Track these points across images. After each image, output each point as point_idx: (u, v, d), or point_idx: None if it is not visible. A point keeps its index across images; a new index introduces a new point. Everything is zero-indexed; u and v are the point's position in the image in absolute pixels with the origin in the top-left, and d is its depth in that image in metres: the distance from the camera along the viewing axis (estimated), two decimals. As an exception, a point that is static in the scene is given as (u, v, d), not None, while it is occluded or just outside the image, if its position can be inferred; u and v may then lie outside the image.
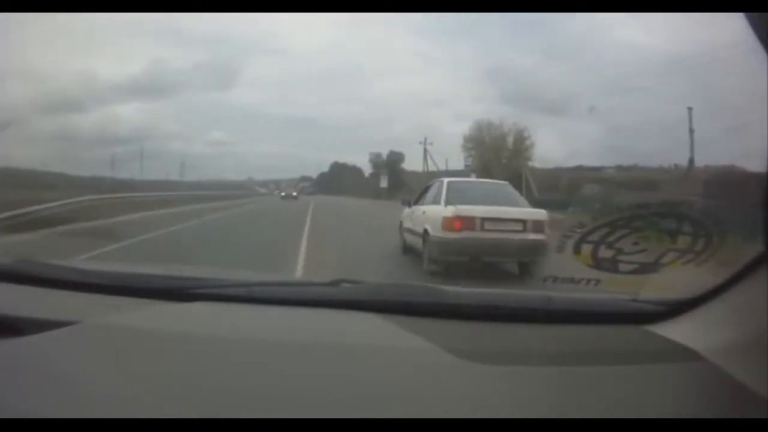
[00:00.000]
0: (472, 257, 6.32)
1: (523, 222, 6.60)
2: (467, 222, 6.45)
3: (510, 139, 40.36)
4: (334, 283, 1.32)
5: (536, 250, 6.18)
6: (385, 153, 54.93)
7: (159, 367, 0.88)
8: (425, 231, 6.99)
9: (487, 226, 6.48)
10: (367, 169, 59.44)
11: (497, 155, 39.39)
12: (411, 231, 7.94)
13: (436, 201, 7.31)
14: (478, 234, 6.41)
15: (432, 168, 39.85)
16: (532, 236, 6.45)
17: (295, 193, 34.89)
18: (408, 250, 8.18)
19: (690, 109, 21.54)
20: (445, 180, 7.93)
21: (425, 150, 43.64)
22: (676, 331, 1.04)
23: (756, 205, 0.86)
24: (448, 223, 6.50)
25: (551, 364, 0.95)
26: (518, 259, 6.71)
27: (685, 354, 0.96)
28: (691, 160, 20.76)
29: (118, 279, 1.31)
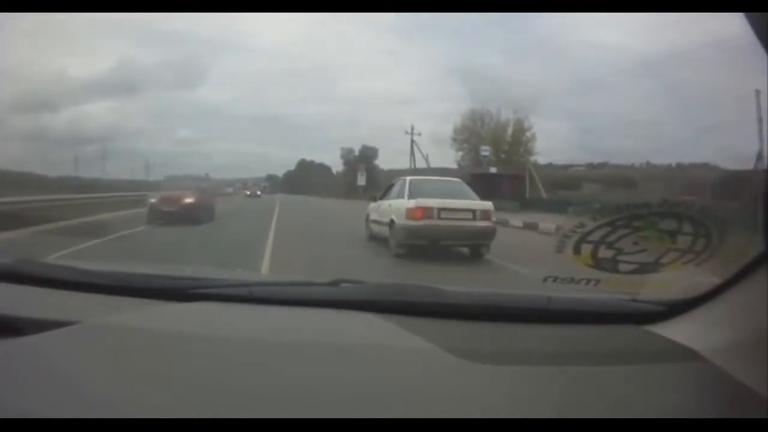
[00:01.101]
0: (431, 241, 7.79)
1: (473, 211, 8.03)
2: (427, 212, 7.80)
3: (509, 131, 35.98)
4: (334, 283, 1.32)
5: (484, 234, 7.97)
6: (357, 149, 50.22)
7: (159, 367, 0.88)
8: (391, 221, 8.27)
9: (443, 215, 7.86)
10: (336, 166, 55.62)
11: (496, 149, 35.00)
12: (377, 222, 9.32)
13: (400, 195, 8.59)
14: (435, 221, 7.78)
15: (421, 164, 34.97)
16: (480, 223, 7.97)
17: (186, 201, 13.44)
18: (374, 238, 9.48)
19: (758, 92, 19.48)
20: (408, 178, 9.34)
21: (412, 141, 38.09)
22: (676, 331, 1.04)
23: (756, 204, 0.86)
24: (411, 213, 7.84)
25: (551, 364, 0.95)
26: (469, 242, 8.17)
27: (685, 354, 0.96)
28: (760, 156, 18.90)
29: (118, 279, 1.31)
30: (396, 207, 8.34)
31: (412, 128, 38.79)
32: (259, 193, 37.50)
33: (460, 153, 37.38)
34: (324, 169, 60.25)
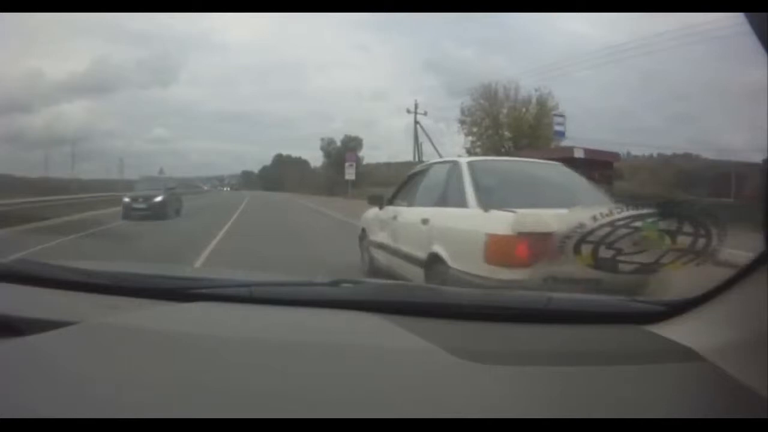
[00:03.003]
0: None
1: None
2: (542, 244, 2.71)
3: (532, 110, 27.88)
4: (335, 283, 1.32)
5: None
6: (338, 140, 46.17)
7: (159, 367, 0.88)
8: (435, 258, 3.74)
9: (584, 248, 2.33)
10: (315, 160, 52.36)
11: (516, 132, 27.13)
12: (389, 249, 4.76)
13: (450, 200, 4.05)
14: (566, 267, 2.50)
15: (431, 155, 27.40)
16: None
17: None
18: (378, 273, 5.02)
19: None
20: (463, 160, 4.34)
21: (416, 123, 31.20)
22: (676, 331, 1.04)
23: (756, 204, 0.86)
24: (504, 249, 3.15)
25: (551, 364, 0.95)
26: None
27: (685, 354, 0.96)
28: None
29: (118, 279, 1.31)
30: (448, 227, 3.82)
31: (416, 105, 31.28)
32: (159, 198, 15.81)
33: (470, 138, 29.44)
34: (301, 163, 57.80)
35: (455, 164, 4.35)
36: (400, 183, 5.69)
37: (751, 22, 0.77)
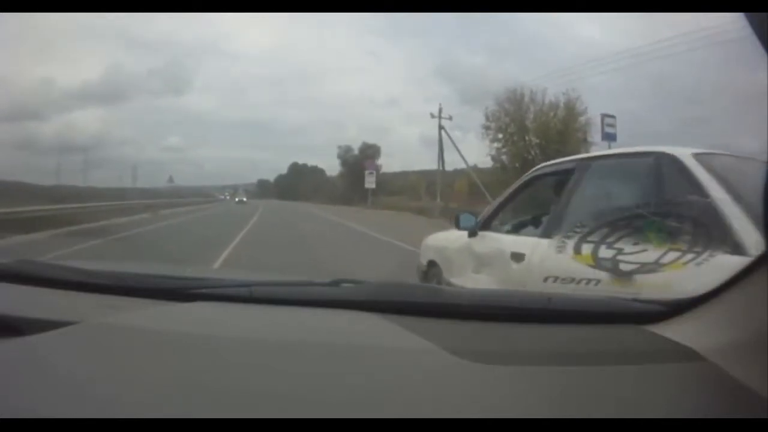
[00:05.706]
0: None
1: None
2: None
3: (560, 113, 26.72)
4: (335, 283, 1.33)
5: None
6: (355, 147, 45.35)
7: (159, 367, 0.88)
8: None
9: None
10: (330, 169, 53.16)
11: (544, 138, 25.85)
12: None
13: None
14: None
15: (453, 162, 27.35)
16: None
17: None
18: None
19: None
20: (683, 153, 2.02)
21: (440, 128, 30.04)
22: (676, 331, 1.04)
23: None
24: None
25: (551, 364, 0.95)
26: None
27: (685, 354, 0.96)
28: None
29: (118, 279, 1.31)
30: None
31: (440, 110, 30.23)
32: None
33: (495, 145, 28.28)
34: (318, 171, 57.83)
35: (667, 159, 2.11)
36: (508, 193, 3.44)
37: (752, 23, 0.77)
